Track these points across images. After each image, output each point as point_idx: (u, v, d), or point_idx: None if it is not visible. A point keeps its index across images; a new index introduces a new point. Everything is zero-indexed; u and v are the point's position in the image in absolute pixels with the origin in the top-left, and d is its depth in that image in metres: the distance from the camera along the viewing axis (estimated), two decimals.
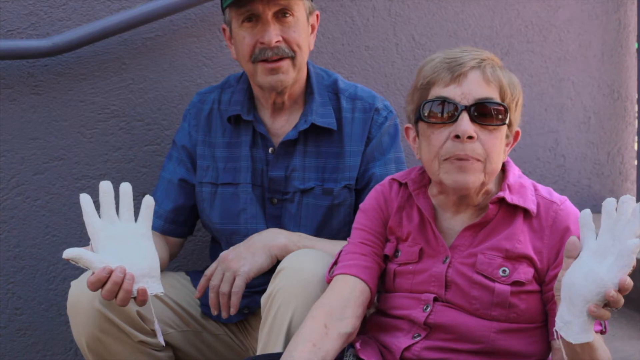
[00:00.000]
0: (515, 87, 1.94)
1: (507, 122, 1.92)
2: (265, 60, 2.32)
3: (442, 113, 1.90)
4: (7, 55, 2.66)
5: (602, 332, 1.88)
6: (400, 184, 2.10)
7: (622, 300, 1.69)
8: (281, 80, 2.34)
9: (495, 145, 1.90)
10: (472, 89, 1.89)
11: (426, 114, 1.92)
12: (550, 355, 1.98)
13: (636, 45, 3.40)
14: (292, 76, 2.35)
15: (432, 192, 2.04)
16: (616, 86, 3.39)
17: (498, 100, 1.90)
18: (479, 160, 1.89)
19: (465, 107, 1.89)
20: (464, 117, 1.88)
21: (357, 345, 1.99)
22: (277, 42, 2.30)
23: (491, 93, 1.90)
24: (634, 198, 1.73)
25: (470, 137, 1.87)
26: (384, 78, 3.10)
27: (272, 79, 2.34)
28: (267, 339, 2.11)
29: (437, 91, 1.92)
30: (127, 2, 2.80)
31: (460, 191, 1.93)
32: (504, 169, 2.02)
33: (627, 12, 3.37)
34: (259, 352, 2.15)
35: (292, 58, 2.33)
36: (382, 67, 3.10)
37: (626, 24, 3.37)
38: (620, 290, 1.68)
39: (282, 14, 2.32)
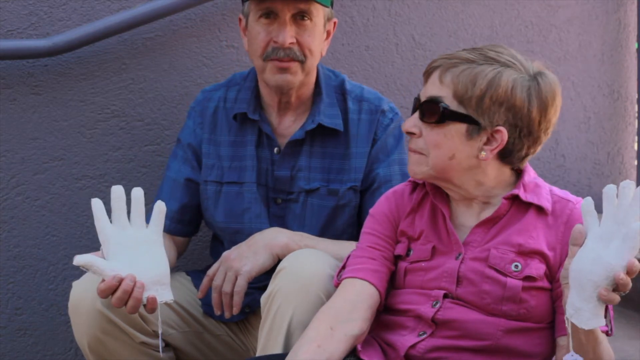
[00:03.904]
0: (476, 83, 1.93)
1: (443, 120, 1.94)
2: (276, 59, 2.32)
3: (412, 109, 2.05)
4: (7, 55, 2.66)
5: (607, 334, 1.89)
6: (416, 185, 2.12)
7: (630, 284, 1.72)
8: (288, 81, 2.34)
9: (438, 142, 1.96)
10: (428, 88, 1.99)
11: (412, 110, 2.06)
12: (554, 358, 1.99)
13: (636, 45, 3.40)
14: (299, 78, 2.35)
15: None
16: (616, 86, 3.39)
17: (441, 99, 1.94)
18: (419, 152, 1.99)
19: (419, 104, 1.99)
20: (415, 114, 2.00)
21: (358, 346, 1.99)
22: (290, 43, 2.31)
23: (440, 92, 1.95)
24: (634, 182, 1.76)
25: (412, 133, 2.00)
26: (384, 78, 3.10)
27: (280, 77, 2.34)
28: (267, 339, 2.12)
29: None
30: (127, 2, 2.80)
31: (415, 178, 2.06)
32: (520, 170, 2.04)
33: (627, 12, 3.37)
34: (258, 352, 2.15)
35: (302, 62, 2.33)
36: (382, 67, 3.10)
37: (626, 24, 3.37)
38: (628, 272, 1.72)
39: (300, 16, 2.32)
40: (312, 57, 2.35)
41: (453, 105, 1.94)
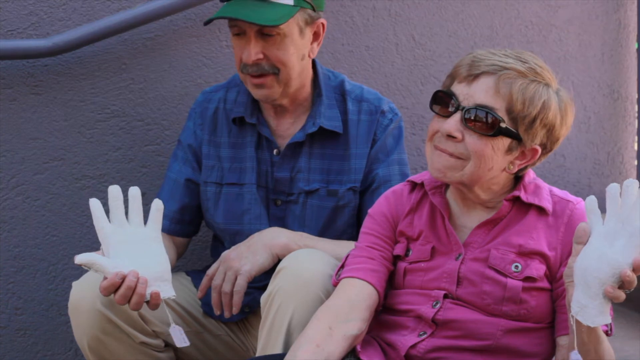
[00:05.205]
0: (533, 103, 1.91)
1: (497, 133, 1.90)
2: (249, 75, 2.32)
3: (443, 106, 1.95)
4: (7, 55, 2.66)
5: (607, 334, 1.90)
6: (415, 184, 2.11)
7: (636, 281, 1.74)
8: (266, 95, 2.35)
9: (485, 153, 1.91)
10: (477, 92, 1.91)
11: (433, 102, 1.98)
12: (554, 358, 1.99)
13: (636, 45, 3.40)
14: (277, 90, 2.35)
15: (450, 191, 2.07)
16: (616, 86, 3.39)
17: (496, 112, 1.90)
18: (455, 157, 1.92)
19: (462, 107, 1.91)
20: (455, 117, 1.91)
21: (358, 346, 1.99)
22: (256, 60, 2.29)
23: (494, 103, 1.90)
24: (637, 181, 1.77)
25: (452, 137, 1.92)
26: (384, 78, 3.10)
27: (258, 92, 2.35)
28: (266, 339, 2.12)
29: (452, 84, 1.96)
30: (127, 2, 2.80)
31: (438, 178, 1.97)
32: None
33: (627, 12, 3.37)
34: (258, 352, 2.15)
35: (276, 74, 2.32)
36: (382, 67, 3.10)
37: (626, 24, 3.37)
38: (634, 269, 1.73)
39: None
40: (285, 69, 2.31)
41: (506, 120, 1.90)
